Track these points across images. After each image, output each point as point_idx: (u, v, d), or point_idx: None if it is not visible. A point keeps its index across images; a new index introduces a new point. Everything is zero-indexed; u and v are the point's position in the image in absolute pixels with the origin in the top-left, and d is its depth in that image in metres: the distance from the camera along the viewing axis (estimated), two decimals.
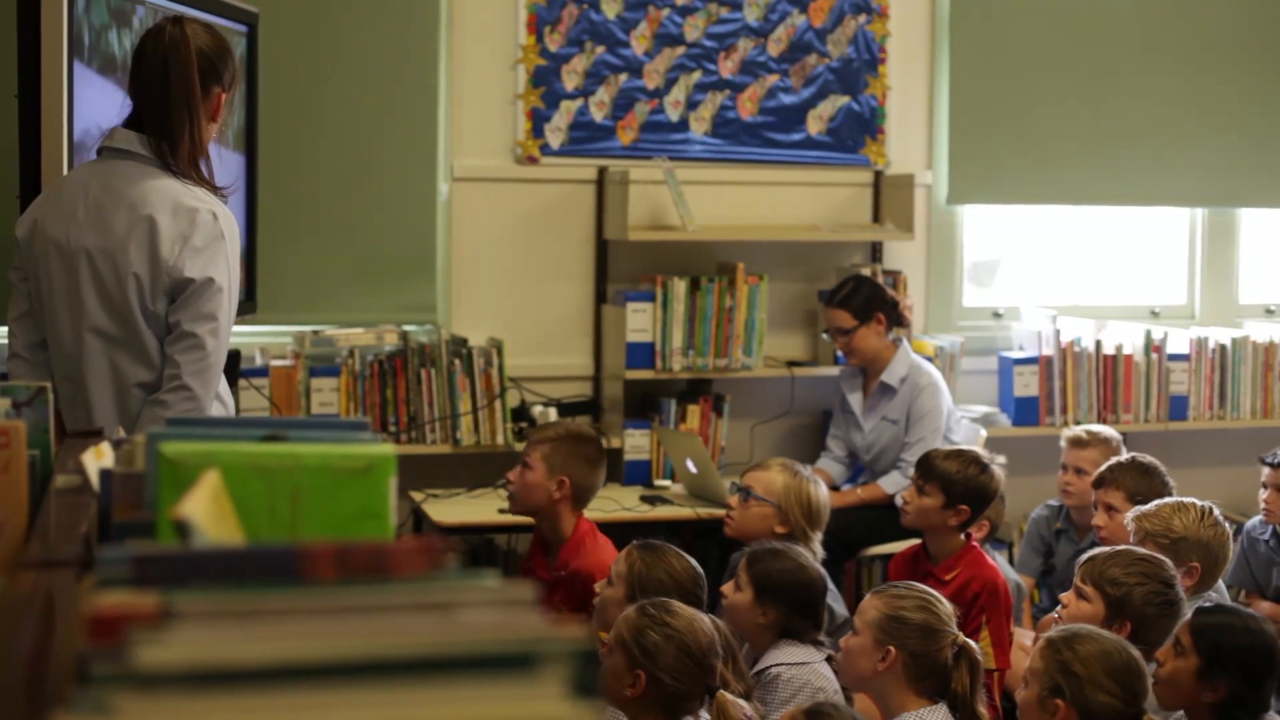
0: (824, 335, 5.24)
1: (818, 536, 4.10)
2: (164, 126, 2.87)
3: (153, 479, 1.58)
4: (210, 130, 2.96)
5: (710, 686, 2.89)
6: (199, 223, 2.83)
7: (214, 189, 2.91)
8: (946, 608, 3.09)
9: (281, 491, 1.57)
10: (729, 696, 2.88)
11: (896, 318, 5.08)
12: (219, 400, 2.91)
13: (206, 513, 1.40)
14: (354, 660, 0.84)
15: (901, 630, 3.04)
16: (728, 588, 3.57)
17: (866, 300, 5.02)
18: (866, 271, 5.43)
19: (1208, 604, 3.23)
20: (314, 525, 1.57)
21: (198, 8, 3.91)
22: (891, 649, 3.03)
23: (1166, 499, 3.87)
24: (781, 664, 3.44)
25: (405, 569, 1.18)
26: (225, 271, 2.85)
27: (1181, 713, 3.10)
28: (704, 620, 2.97)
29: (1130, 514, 3.83)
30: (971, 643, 3.07)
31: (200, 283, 2.82)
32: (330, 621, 0.93)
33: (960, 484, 4.02)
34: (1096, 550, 3.45)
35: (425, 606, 0.98)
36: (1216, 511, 3.79)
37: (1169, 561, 3.39)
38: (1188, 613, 3.23)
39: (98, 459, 1.91)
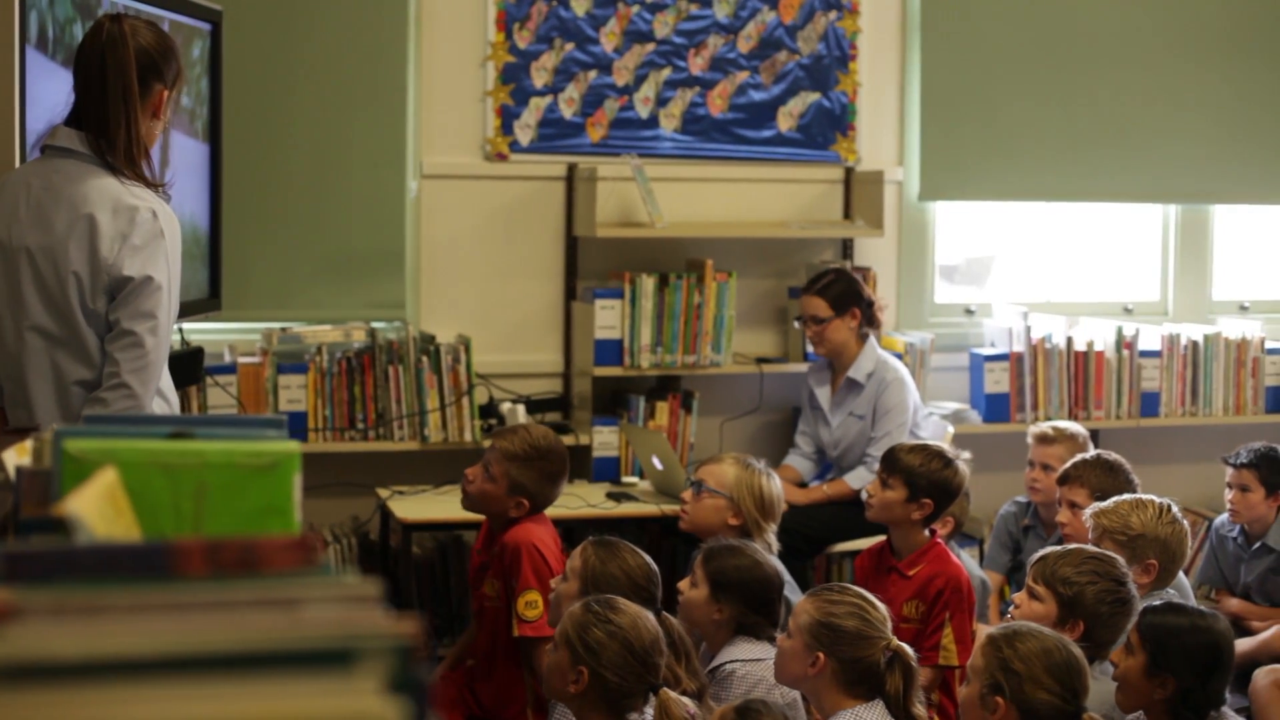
0: (795, 323, 5.23)
1: (771, 528, 4.10)
2: (101, 124, 2.87)
3: (58, 475, 1.58)
4: (153, 128, 2.96)
5: (653, 684, 2.89)
6: (138, 221, 2.83)
7: (153, 186, 2.91)
8: (880, 612, 3.07)
9: (186, 488, 1.58)
10: (672, 694, 2.88)
11: (870, 316, 5.08)
12: (162, 397, 2.92)
13: (97, 510, 1.40)
14: (174, 655, 0.84)
15: (832, 637, 3.02)
16: (684, 584, 3.58)
17: (844, 293, 5.03)
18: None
19: (1156, 602, 3.23)
20: (218, 522, 1.57)
21: (160, 6, 3.91)
22: (820, 655, 3.02)
23: (1125, 496, 3.86)
24: (736, 660, 3.44)
25: (275, 565, 1.18)
26: (165, 270, 2.85)
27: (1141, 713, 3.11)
28: (648, 618, 2.97)
29: (1088, 511, 3.83)
30: (905, 646, 3.05)
31: (139, 281, 2.82)
32: (166, 617, 0.93)
33: (924, 478, 4.02)
34: (1048, 549, 3.45)
35: (271, 602, 0.97)
36: (1175, 509, 3.80)
37: (1121, 560, 3.39)
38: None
39: (20, 456, 1.92)
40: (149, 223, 2.84)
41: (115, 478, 1.48)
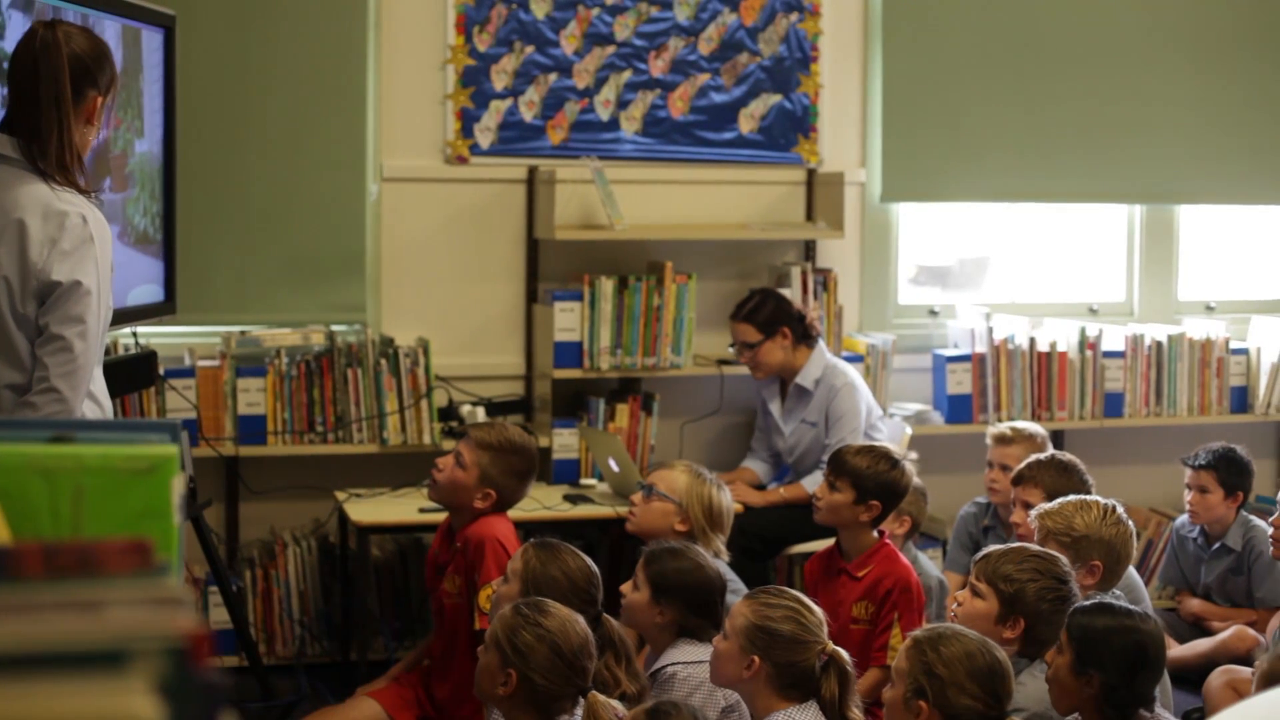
0: (730, 349, 5.23)
1: (720, 539, 4.10)
2: (34, 130, 2.88)
3: None
4: (87, 134, 2.97)
5: (582, 687, 2.89)
6: (68, 226, 2.84)
7: (85, 192, 2.91)
8: (816, 617, 3.07)
9: (64, 492, 1.58)
10: (600, 697, 2.88)
11: (803, 331, 5.08)
12: (94, 401, 2.92)
13: None
14: None
15: (767, 641, 3.02)
16: (626, 587, 3.58)
17: (771, 315, 5.03)
18: (798, 270, 5.44)
19: (1086, 602, 3.23)
20: (97, 525, 1.57)
21: (111, 11, 3.92)
22: (755, 659, 3.02)
23: (1070, 497, 3.86)
24: (678, 663, 3.44)
25: (111, 567, 1.19)
26: (94, 274, 2.86)
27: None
28: (578, 621, 2.98)
29: (1033, 512, 3.83)
30: (841, 651, 3.05)
31: (68, 286, 2.83)
32: None
33: (870, 479, 4.02)
34: (991, 548, 3.45)
35: (76, 605, 0.98)
36: (1120, 510, 3.80)
37: (1063, 558, 3.40)
38: None
39: None
40: (78, 228, 2.85)
41: None
